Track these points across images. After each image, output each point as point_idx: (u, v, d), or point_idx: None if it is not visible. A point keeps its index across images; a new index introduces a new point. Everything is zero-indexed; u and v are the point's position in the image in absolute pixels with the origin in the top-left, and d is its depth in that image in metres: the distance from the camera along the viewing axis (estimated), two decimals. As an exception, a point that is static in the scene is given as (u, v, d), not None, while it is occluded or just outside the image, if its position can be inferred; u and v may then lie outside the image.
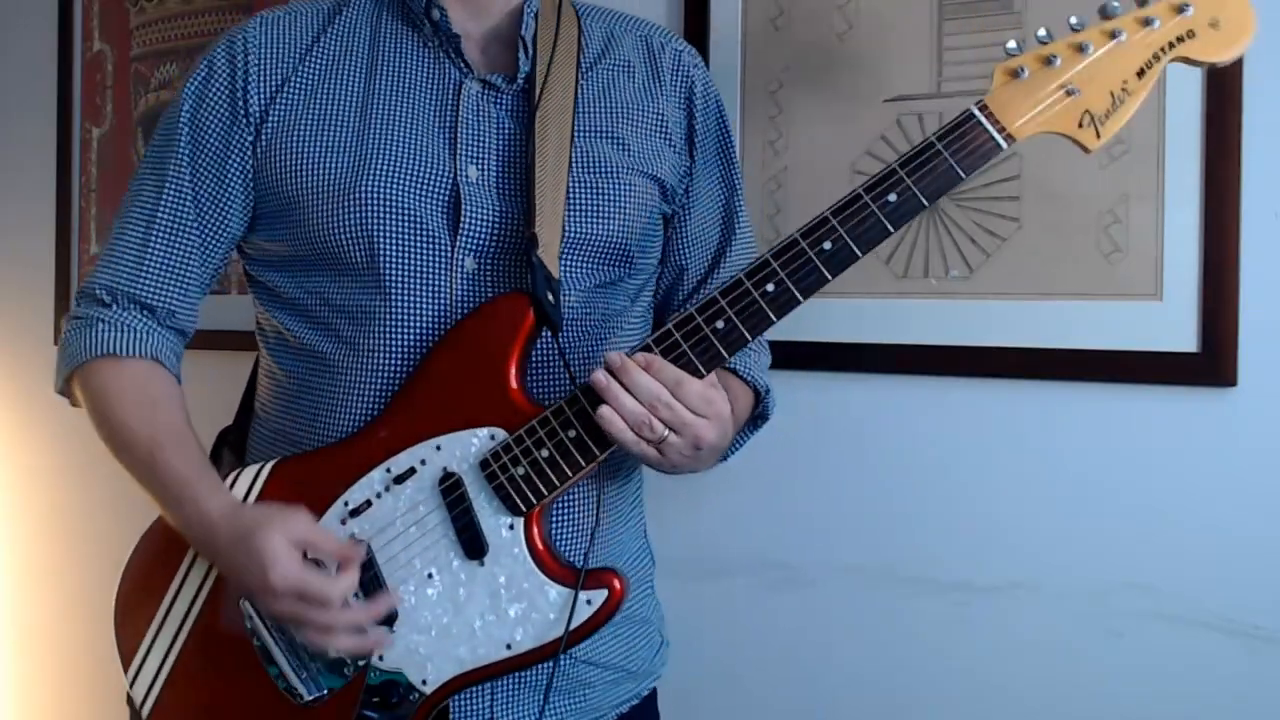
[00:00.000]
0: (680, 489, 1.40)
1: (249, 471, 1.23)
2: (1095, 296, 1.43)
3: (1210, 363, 1.37)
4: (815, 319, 1.56)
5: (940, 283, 1.52)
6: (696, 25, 1.67)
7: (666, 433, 1.10)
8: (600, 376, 1.10)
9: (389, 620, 1.16)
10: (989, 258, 1.49)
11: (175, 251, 1.26)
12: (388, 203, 1.19)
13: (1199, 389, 1.38)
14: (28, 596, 2.52)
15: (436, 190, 1.21)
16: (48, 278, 2.42)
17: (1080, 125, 1.11)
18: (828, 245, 1.10)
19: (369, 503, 1.18)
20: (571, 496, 1.23)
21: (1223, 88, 1.36)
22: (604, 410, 1.09)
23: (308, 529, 1.14)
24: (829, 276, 1.11)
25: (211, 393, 1.47)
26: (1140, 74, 1.11)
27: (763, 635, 1.64)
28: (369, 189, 1.19)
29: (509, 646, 1.15)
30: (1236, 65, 1.34)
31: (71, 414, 1.38)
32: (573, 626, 1.13)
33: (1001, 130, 1.10)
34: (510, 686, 1.22)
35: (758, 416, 1.35)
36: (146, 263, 1.25)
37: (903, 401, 1.55)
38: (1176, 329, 1.39)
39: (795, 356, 1.51)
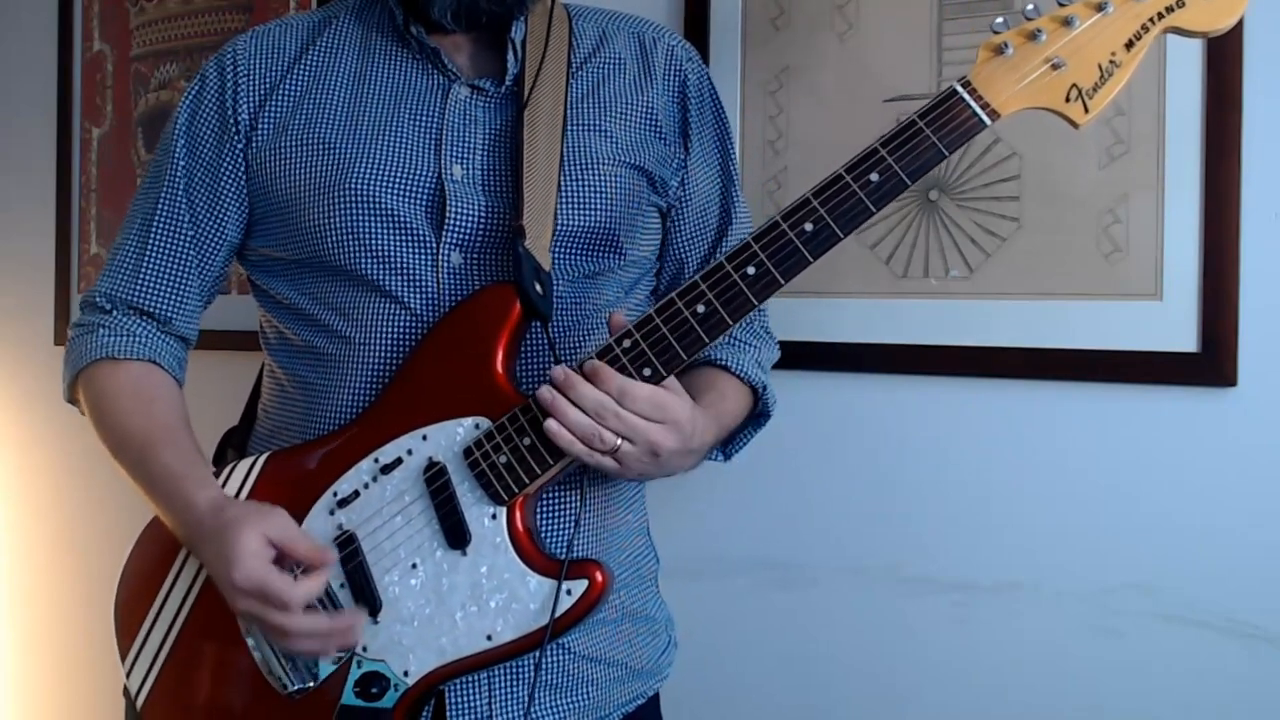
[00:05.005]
0: (680, 489, 1.40)
1: (243, 465, 1.24)
2: (1095, 296, 1.43)
3: (1210, 363, 1.37)
4: (815, 319, 1.57)
5: (940, 283, 1.52)
6: (696, 25, 1.67)
7: (619, 442, 1.09)
8: (545, 392, 1.10)
9: (372, 611, 1.16)
10: (989, 258, 1.49)
11: (171, 260, 1.30)
12: (370, 202, 1.21)
13: (1199, 389, 1.38)
14: (28, 596, 2.52)
15: (419, 189, 1.22)
16: (48, 278, 2.42)
17: (1068, 100, 1.09)
18: (809, 226, 1.09)
19: (357, 493, 1.18)
20: (561, 490, 1.23)
21: (1222, 87, 1.36)
22: (550, 424, 1.09)
23: (282, 530, 1.13)
24: (810, 259, 1.09)
25: (205, 393, 1.47)
26: (1129, 46, 1.08)
27: (763, 635, 1.64)
28: (351, 189, 1.21)
29: (489, 638, 1.14)
30: (1236, 65, 1.35)
31: (71, 414, 1.39)
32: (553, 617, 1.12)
33: (985, 106, 1.09)
34: (507, 683, 1.21)
35: (758, 414, 1.33)
36: (143, 271, 1.30)
37: (903, 401, 1.55)
38: (1176, 329, 1.39)
39: (795, 356, 1.51)
